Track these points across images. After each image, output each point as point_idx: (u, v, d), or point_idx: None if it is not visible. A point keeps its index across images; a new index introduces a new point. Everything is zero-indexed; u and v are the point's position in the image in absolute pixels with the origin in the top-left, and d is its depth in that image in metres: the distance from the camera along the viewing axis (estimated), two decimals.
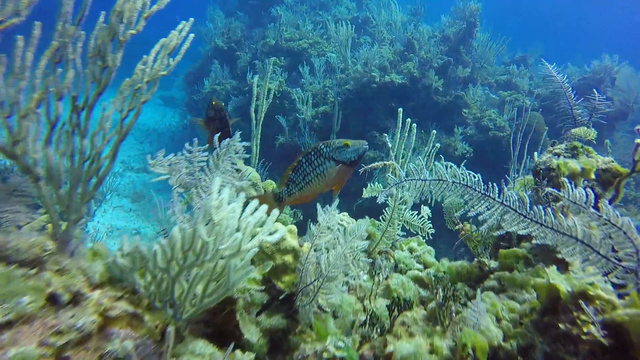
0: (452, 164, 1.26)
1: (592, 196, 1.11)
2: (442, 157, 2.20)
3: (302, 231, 1.95)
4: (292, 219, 2.90)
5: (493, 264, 1.68)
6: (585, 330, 1.03)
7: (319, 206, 1.46)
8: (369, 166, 1.75)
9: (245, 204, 0.98)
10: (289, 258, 1.43)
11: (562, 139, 1.94)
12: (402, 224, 2.02)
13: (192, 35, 1.28)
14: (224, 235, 0.89)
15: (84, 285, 0.98)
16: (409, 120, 2.05)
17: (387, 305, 1.47)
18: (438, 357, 1.23)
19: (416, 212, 2.01)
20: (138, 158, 10.31)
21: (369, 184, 2.03)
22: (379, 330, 1.43)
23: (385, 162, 1.70)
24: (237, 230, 0.92)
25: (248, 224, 0.92)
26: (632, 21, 32.84)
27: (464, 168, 1.25)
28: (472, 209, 1.17)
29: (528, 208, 1.13)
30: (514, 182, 3.71)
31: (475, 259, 1.73)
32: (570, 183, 1.28)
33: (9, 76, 1.03)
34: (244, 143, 1.58)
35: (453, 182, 1.20)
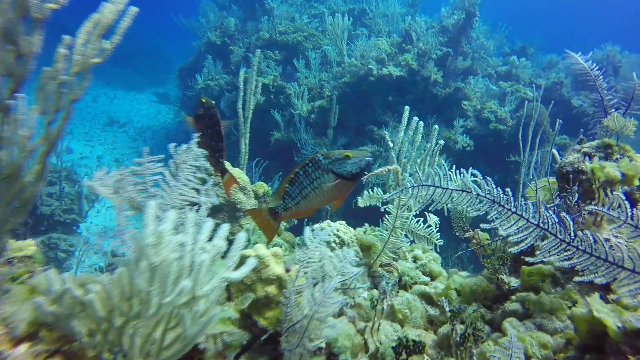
0: (465, 171, 1.04)
1: None
2: (442, 151, 2.00)
3: (298, 231, 1.74)
4: (285, 223, 2.69)
5: (514, 282, 1.46)
6: None
7: (307, 229, 1.24)
8: (371, 173, 1.52)
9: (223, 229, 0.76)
10: (272, 289, 1.22)
11: (589, 134, 1.70)
12: (406, 233, 1.80)
13: (133, 8, 1.03)
14: (168, 281, 0.67)
15: (2, 341, 0.76)
16: (415, 118, 1.82)
17: (392, 347, 1.25)
18: None
19: (421, 219, 1.79)
20: (132, 156, 10.09)
21: (365, 191, 1.81)
22: None
23: (389, 168, 1.48)
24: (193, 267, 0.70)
25: (202, 263, 0.70)
26: (631, 11, 32.56)
27: (480, 175, 1.04)
28: (501, 229, 0.96)
29: (572, 233, 0.91)
30: (522, 183, 3.51)
31: (486, 270, 1.51)
32: (605, 191, 1.06)
33: None
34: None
35: (477, 196, 0.99)
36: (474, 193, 0.99)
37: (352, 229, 1.77)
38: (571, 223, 0.92)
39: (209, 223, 0.76)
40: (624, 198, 0.89)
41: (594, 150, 1.42)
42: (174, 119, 11.95)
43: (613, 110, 1.61)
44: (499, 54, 8.99)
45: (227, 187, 1.97)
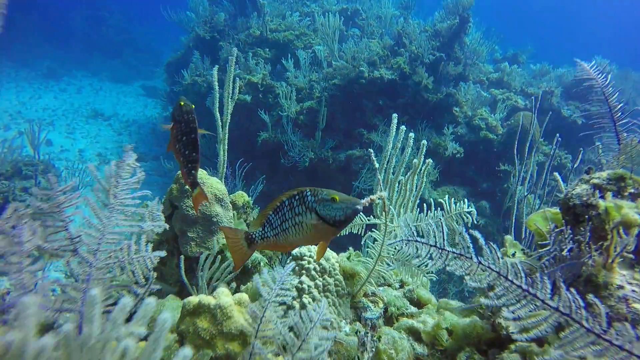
0: (464, 231, 0.89)
1: None
2: (431, 157, 1.89)
3: None
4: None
5: (513, 327, 1.33)
6: None
7: (256, 279, 1.08)
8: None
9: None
10: (234, 346, 1.08)
11: (598, 163, 1.57)
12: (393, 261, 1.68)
13: None
14: None
15: None
16: (412, 134, 1.69)
17: None
18: None
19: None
20: (116, 151, 9.85)
21: None
22: None
23: (372, 197, 1.35)
24: None
25: None
26: (618, 23, 33.02)
27: (482, 237, 0.89)
28: (506, 311, 0.81)
29: (605, 323, 0.73)
30: (516, 204, 3.41)
31: (480, 307, 1.40)
32: (618, 231, 0.94)
33: None
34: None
35: (479, 264, 0.85)
36: (475, 261, 0.86)
37: (334, 254, 1.65)
38: (602, 309, 0.78)
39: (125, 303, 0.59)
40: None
41: (604, 182, 1.29)
42: (161, 113, 11.73)
43: (625, 133, 1.50)
44: (490, 60, 8.97)
45: (196, 202, 1.81)
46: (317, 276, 1.51)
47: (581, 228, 1.14)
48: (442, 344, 1.38)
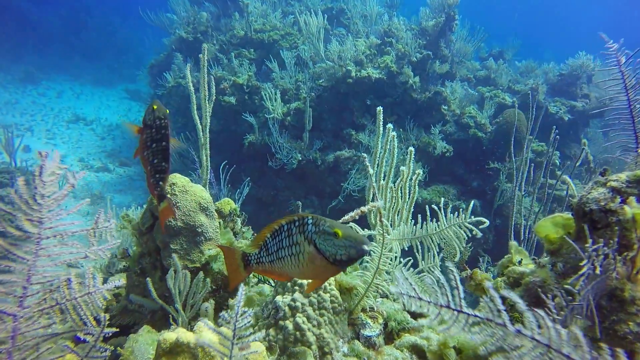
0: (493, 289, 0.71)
1: None
2: (421, 156, 1.80)
3: None
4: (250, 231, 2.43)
5: None
6: None
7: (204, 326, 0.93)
8: (348, 217, 1.26)
9: None
10: None
11: (623, 164, 1.45)
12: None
13: None
14: None
15: None
16: (394, 133, 1.59)
17: None
18: None
19: (409, 258, 1.57)
20: (98, 156, 9.61)
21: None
22: None
23: (362, 209, 1.24)
24: None
25: None
26: (604, 18, 33.56)
27: (520, 301, 0.69)
28: None
29: None
30: (514, 205, 3.33)
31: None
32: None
33: None
34: None
35: (519, 333, 0.68)
36: (512, 330, 0.64)
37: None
38: None
39: None
40: None
41: (624, 186, 1.18)
42: None
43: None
44: (477, 58, 8.96)
45: (162, 217, 1.66)
46: (311, 292, 1.40)
47: (600, 238, 1.04)
48: None
